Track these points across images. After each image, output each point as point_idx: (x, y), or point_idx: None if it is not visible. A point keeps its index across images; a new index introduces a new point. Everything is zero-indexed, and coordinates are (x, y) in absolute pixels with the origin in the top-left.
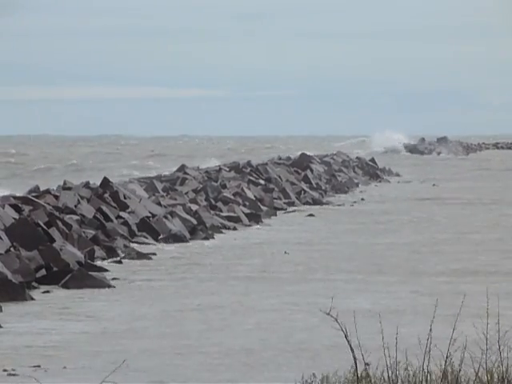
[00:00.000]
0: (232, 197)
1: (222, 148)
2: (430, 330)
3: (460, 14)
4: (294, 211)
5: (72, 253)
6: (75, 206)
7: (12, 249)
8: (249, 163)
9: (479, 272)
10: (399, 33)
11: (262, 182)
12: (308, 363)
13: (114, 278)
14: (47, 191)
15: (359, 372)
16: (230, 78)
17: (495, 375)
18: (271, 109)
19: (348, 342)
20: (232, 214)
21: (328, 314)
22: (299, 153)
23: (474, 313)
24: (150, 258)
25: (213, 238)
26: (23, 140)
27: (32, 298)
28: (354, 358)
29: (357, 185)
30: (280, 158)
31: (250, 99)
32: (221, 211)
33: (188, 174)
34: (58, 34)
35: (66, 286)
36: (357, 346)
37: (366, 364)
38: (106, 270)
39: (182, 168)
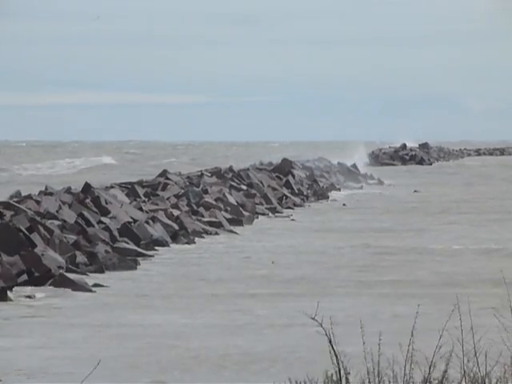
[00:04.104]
0: (214, 202)
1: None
2: (411, 338)
3: (443, 21)
4: (276, 216)
5: (53, 258)
6: (57, 212)
7: None
8: (230, 168)
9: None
10: (384, 40)
11: (243, 187)
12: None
13: (95, 284)
14: (29, 196)
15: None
16: (216, 83)
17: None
18: (258, 114)
19: (332, 347)
20: (214, 220)
21: (313, 318)
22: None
23: None
24: (132, 265)
25: (194, 242)
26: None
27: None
28: (338, 364)
29: (338, 190)
30: (262, 164)
31: (235, 105)
32: (202, 216)
33: (169, 179)
34: (43, 40)
35: (47, 291)
36: (340, 352)
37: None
38: (88, 276)
39: (164, 173)
